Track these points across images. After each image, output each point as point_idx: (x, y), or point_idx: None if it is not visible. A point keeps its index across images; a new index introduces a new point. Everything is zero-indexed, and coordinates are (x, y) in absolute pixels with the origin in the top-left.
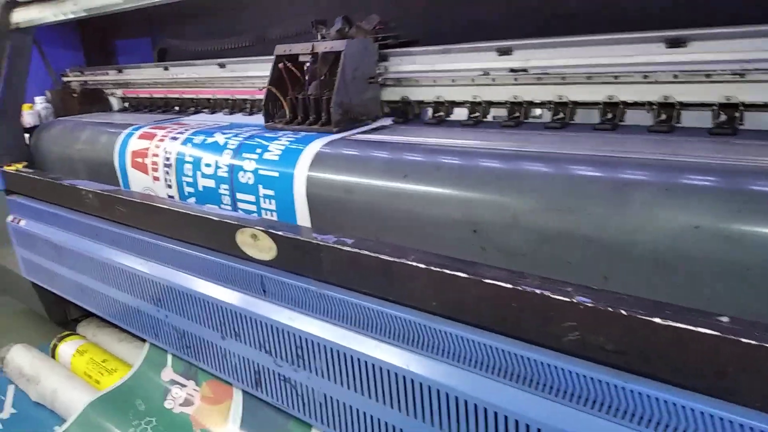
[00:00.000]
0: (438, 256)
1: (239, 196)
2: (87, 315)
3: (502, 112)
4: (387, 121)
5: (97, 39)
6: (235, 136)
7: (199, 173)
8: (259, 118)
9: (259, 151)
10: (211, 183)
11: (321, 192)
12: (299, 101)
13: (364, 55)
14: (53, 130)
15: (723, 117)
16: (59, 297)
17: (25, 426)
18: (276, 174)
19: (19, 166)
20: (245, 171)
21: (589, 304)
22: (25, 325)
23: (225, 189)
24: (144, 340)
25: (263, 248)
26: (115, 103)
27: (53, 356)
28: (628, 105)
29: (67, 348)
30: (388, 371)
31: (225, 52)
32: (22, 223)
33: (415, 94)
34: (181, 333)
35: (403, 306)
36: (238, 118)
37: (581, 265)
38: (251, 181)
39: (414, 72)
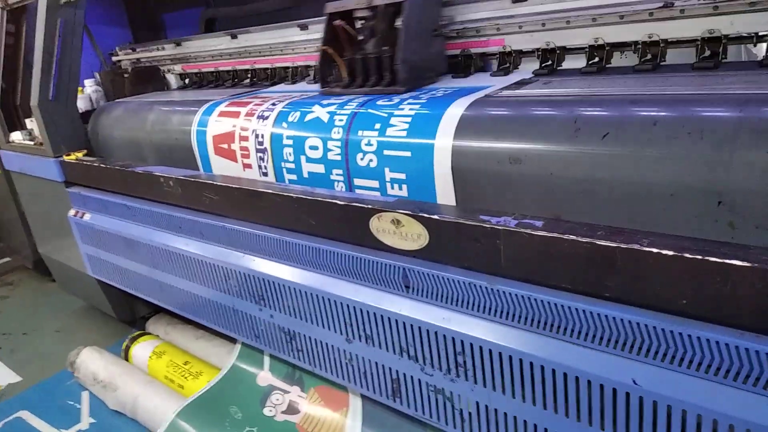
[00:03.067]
0: (687, 239)
1: (358, 182)
2: (155, 311)
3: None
4: (526, 74)
5: (143, 13)
6: (340, 108)
7: (303, 158)
8: None
9: (378, 126)
10: (319, 168)
11: (472, 165)
12: (358, 61)
13: (426, 5)
14: (113, 114)
15: None
16: (126, 294)
17: None
18: (408, 153)
19: (79, 154)
20: (365, 152)
21: None
22: (90, 325)
23: (338, 174)
24: (231, 338)
25: (409, 236)
26: (172, 80)
27: (126, 358)
28: None
29: (141, 349)
30: (602, 386)
31: (276, 15)
32: (87, 217)
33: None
34: (291, 335)
35: (629, 305)
36: None
37: None
38: (374, 164)
39: (483, 20)
